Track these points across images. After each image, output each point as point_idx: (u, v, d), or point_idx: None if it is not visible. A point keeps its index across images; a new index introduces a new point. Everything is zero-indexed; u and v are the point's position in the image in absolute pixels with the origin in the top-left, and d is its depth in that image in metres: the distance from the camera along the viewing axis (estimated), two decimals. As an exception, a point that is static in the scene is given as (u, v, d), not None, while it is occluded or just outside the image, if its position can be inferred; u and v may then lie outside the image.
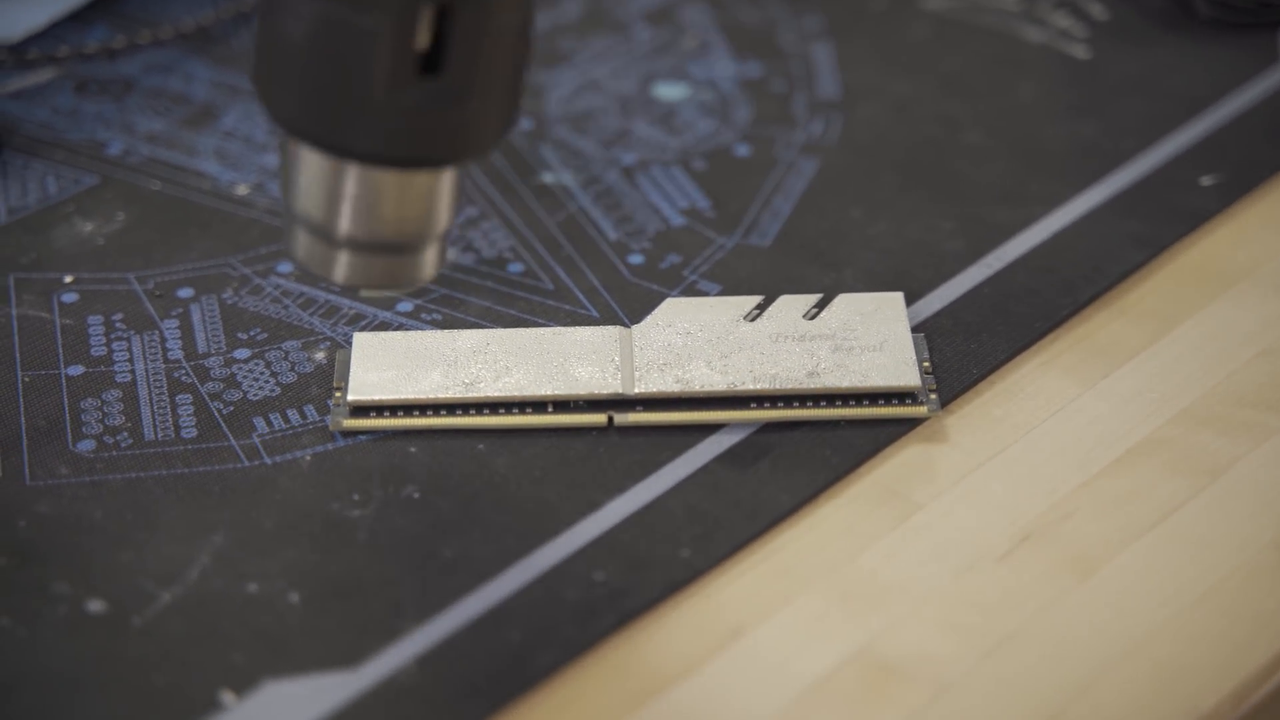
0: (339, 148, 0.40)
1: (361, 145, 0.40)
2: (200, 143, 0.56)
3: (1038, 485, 0.45)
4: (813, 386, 0.47)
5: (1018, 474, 0.46)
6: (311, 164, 0.41)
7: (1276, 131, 0.55)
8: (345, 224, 0.41)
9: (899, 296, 0.49)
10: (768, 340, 0.48)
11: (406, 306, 0.50)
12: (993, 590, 0.43)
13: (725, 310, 0.49)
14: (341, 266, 0.42)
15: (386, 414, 0.47)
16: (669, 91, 0.58)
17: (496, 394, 0.47)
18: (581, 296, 0.50)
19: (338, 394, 0.47)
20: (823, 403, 0.47)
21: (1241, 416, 0.47)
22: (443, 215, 0.42)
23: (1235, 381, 0.47)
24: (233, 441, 0.46)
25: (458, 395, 0.47)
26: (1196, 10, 0.59)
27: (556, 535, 0.44)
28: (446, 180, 0.42)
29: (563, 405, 0.47)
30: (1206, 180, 0.53)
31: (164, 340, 0.49)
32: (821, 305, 0.49)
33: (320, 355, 0.49)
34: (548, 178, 0.54)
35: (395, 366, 0.47)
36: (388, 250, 0.42)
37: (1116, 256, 0.51)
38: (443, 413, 0.47)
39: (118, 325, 0.50)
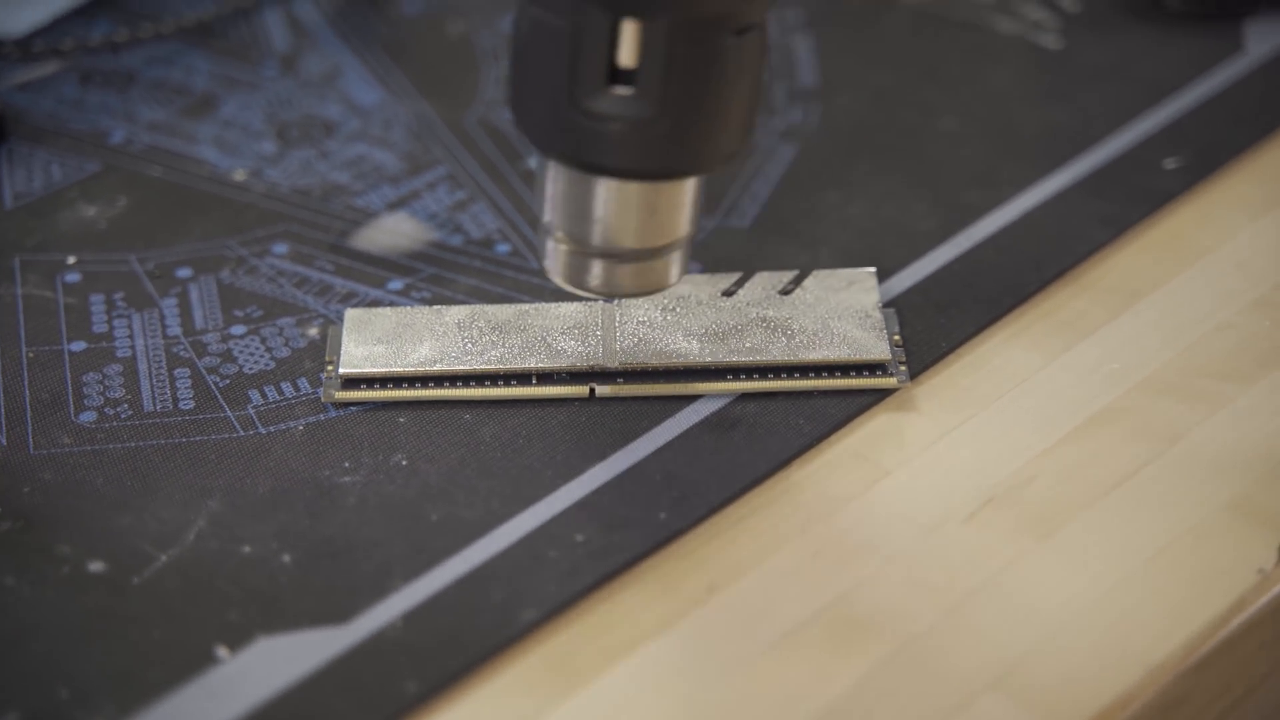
0: (544, 151, 0.42)
1: (556, 149, 0.42)
2: (200, 131, 0.58)
3: (1002, 451, 0.47)
4: (787, 359, 0.48)
5: (983, 440, 0.47)
6: (547, 171, 0.43)
7: (1239, 117, 0.56)
8: (557, 220, 0.44)
9: (871, 272, 0.51)
10: (745, 314, 0.49)
11: (397, 285, 0.52)
12: (957, 550, 0.45)
13: (704, 286, 0.50)
14: (580, 273, 0.44)
15: (376, 386, 0.48)
16: (653, 81, 0.60)
17: (482, 366, 0.48)
18: (566, 275, 0.52)
19: (330, 367, 0.49)
20: (796, 374, 0.48)
21: (1199, 386, 0.48)
22: (674, 223, 0.44)
23: (1193, 353, 0.49)
24: (228, 412, 0.48)
25: (445, 368, 0.48)
26: (1166, 4, 0.60)
27: (539, 499, 0.46)
28: (675, 190, 0.43)
29: (546, 377, 0.49)
30: (1170, 163, 0.55)
31: (163, 318, 0.51)
32: (797, 281, 0.51)
33: (313, 331, 0.51)
34: (534, 163, 0.56)
35: (385, 341, 0.49)
36: (623, 258, 0.44)
37: (1082, 235, 0.53)
38: (430, 385, 0.48)
39: (119, 304, 0.51)
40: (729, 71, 0.41)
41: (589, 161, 0.42)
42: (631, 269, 0.45)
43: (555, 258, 0.45)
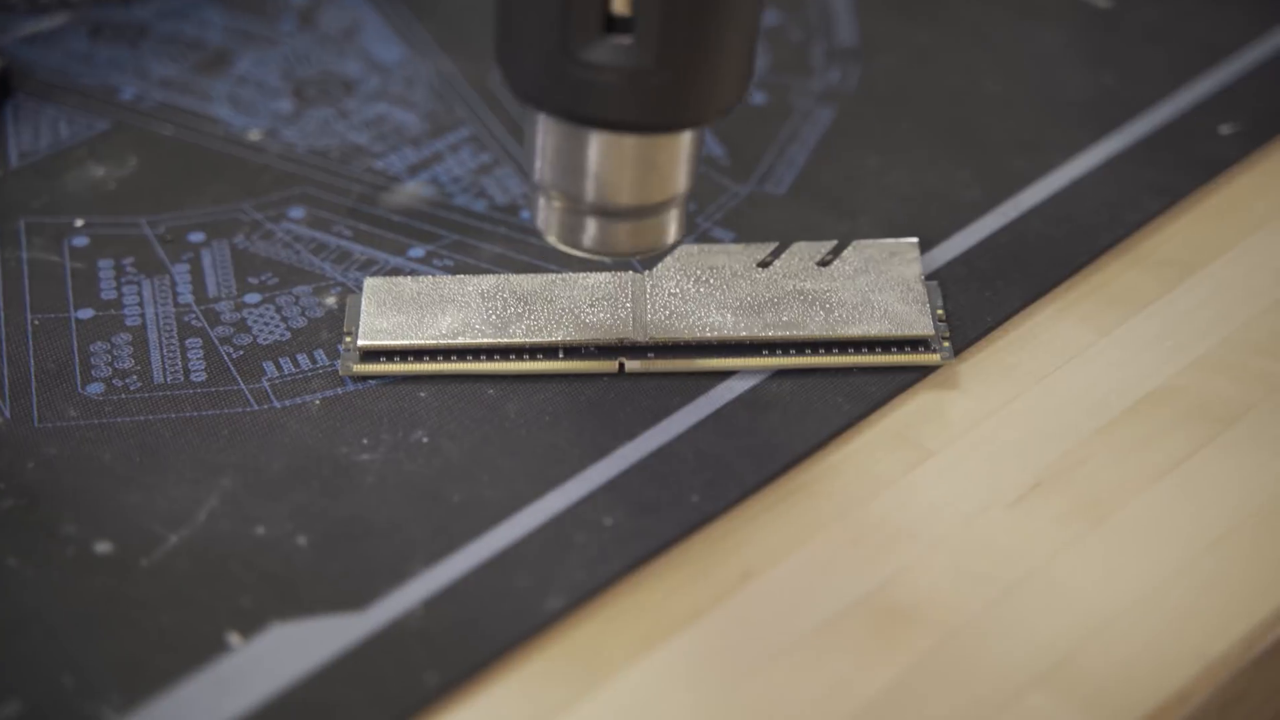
0: (537, 104, 0.41)
1: (550, 102, 0.40)
2: (214, 88, 0.56)
3: (1050, 432, 0.45)
4: (825, 334, 0.46)
5: (1030, 421, 0.45)
6: (538, 125, 0.42)
7: (1298, 80, 0.54)
8: (550, 177, 0.42)
9: (914, 243, 0.49)
10: (781, 286, 0.47)
11: (419, 252, 0.50)
12: (1003, 536, 0.43)
13: (738, 256, 0.48)
14: (577, 232, 0.43)
15: (396, 359, 0.46)
16: (685, 39, 0.57)
17: (507, 339, 0.46)
18: (594, 243, 0.50)
19: (348, 339, 0.47)
20: (835, 350, 0.46)
21: (1256, 365, 0.46)
22: (672, 179, 0.42)
23: (1250, 330, 0.47)
24: (242, 385, 0.46)
25: (468, 340, 0.46)
26: (1219, -41, 0.58)
27: (566, 480, 0.44)
28: (672, 144, 0.41)
29: (574, 351, 0.47)
30: (1226, 129, 0.53)
31: (174, 284, 0.49)
32: (836, 252, 0.48)
33: (331, 300, 0.49)
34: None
35: (406, 311, 0.47)
36: (620, 216, 0.42)
37: (1134, 205, 0.51)
38: (453, 358, 0.46)
39: (128, 269, 0.49)
40: (728, 17, 0.40)
41: (584, 114, 0.41)
42: (628, 227, 0.43)
43: (548, 216, 0.43)
